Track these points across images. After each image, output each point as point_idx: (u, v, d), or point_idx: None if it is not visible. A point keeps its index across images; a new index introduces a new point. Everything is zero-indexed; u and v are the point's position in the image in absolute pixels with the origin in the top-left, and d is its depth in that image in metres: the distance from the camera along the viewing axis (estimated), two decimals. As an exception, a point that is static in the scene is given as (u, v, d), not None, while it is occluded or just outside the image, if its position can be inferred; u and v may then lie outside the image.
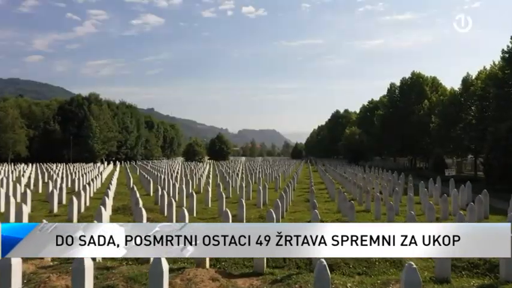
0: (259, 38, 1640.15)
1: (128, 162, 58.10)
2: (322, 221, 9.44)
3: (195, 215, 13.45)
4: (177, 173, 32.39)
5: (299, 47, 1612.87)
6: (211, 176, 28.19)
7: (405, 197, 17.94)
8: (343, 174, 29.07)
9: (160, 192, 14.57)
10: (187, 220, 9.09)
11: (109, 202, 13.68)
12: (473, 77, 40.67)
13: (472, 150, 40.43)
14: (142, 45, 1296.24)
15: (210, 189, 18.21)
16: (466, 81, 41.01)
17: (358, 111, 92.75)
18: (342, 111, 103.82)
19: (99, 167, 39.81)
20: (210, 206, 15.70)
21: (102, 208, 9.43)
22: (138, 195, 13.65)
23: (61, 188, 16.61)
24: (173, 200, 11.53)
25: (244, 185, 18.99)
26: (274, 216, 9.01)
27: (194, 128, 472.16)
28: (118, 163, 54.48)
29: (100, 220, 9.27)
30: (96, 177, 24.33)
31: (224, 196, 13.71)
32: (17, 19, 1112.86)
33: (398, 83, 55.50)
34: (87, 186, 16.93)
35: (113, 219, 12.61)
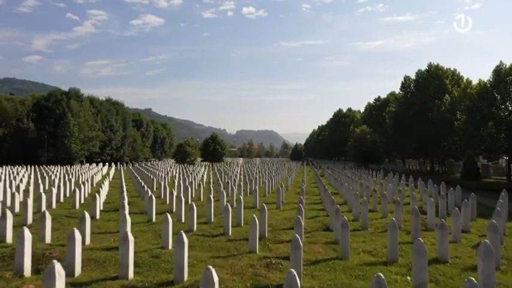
0: (259, 39, 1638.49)
1: (115, 164, 51.80)
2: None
3: (131, 274, 7.09)
4: (156, 182, 26.01)
5: (299, 47, 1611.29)
6: (195, 184, 21.85)
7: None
8: (364, 183, 22.85)
9: (87, 226, 8.25)
10: None
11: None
12: (507, 66, 34.56)
13: (507, 151, 34.25)
14: (142, 46, 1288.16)
15: (178, 213, 11.91)
16: (499, 72, 34.88)
17: (360, 110, 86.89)
18: (343, 111, 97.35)
19: (68, 169, 33.39)
20: (170, 247, 9.34)
21: None
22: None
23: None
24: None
25: (234, 204, 12.71)
26: None
27: (192, 128, 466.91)
28: (106, 165, 48.63)
29: None
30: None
31: (186, 241, 7.33)
32: (16, 19, 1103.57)
33: (413, 76, 49.20)
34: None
35: None
